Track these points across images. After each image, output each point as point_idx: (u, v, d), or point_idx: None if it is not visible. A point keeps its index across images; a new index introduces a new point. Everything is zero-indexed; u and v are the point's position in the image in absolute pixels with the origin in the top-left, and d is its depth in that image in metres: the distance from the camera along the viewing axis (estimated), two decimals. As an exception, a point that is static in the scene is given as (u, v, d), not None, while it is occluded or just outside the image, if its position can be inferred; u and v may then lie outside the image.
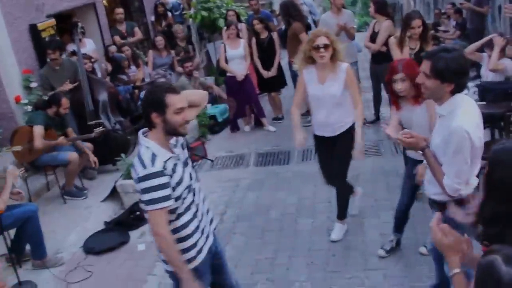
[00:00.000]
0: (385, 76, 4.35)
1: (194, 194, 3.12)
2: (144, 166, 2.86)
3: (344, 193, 5.20)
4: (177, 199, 2.96)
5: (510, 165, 1.98)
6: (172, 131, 2.95)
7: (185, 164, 3.09)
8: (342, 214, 5.25)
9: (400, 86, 4.11)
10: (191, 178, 3.10)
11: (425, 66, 3.01)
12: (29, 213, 5.03)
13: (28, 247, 5.27)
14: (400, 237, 4.86)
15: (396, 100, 4.28)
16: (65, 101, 6.54)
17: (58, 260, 5.32)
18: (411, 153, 4.49)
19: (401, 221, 4.79)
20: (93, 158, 6.79)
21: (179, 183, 2.95)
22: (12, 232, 5.15)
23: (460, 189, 3.07)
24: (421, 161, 4.34)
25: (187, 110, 3.17)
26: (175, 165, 2.97)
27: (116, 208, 6.51)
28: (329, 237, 5.21)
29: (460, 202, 3.12)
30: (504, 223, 2.03)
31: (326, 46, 4.61)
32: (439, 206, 3.27)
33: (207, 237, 3.24)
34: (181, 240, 3.07)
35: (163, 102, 2.87)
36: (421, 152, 3.20)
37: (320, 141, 5.05)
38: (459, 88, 3.02)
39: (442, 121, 3.10)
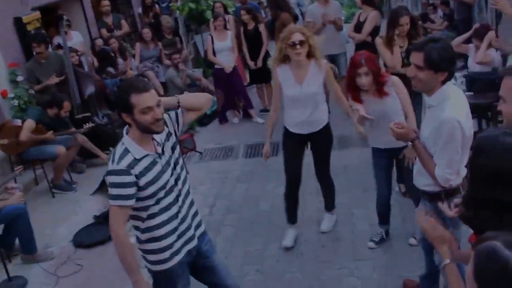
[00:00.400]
0: (347, 71, 4.31)
1: (178, 196, 3.03)
2: (112, 161, 2.85)
3: (330, 185, 5.20)
4: (145, 198, 2.90)
5: (493, 152, 1.99)
6: (144, 129, 2.84)
7: (169, 164, 2.99)
8: (330, 205, 5.27)
9: (364, 80, 4.10)
10: (177, 180, 3.02)
11: (417, 58, 2.99)
12: (18, 211, 4.99)
13: (17, 241, 5.24)
14: (387, 228, 4.87)
15: (357, 95, 4.24)
16: (67, 105, 6.57)
17: (48, 255, 5.31)
18: (374, 143, 4.50)
19: (384, 213, 4.80)
20: (104, 156, 6.84)
21: (151, 183, 2.87)
22: (0, 227, 5.12)
23: (451, 179, 3.08)
24: (386, 150, 4.36)
25: (191, 113, 3.21)
26: (153, 163, 2.89)
27: (106, 202, 6.48)
28: (319, 228, 5.23)
29: (451, 192, 3.15)
30: (478, 207, 2.05)
31: (301, 43, 4.46)
32: (430, 197, 3.29)
33: (188, 240, 3.14)
34: (154, 239, 3.02)
35: (128, 102, 2.77)
36: (411, 143, 3.20)
37: (293, 137, 4.88)
38: (450, 76, 3.03)
39: (432, 112, 3.10)
